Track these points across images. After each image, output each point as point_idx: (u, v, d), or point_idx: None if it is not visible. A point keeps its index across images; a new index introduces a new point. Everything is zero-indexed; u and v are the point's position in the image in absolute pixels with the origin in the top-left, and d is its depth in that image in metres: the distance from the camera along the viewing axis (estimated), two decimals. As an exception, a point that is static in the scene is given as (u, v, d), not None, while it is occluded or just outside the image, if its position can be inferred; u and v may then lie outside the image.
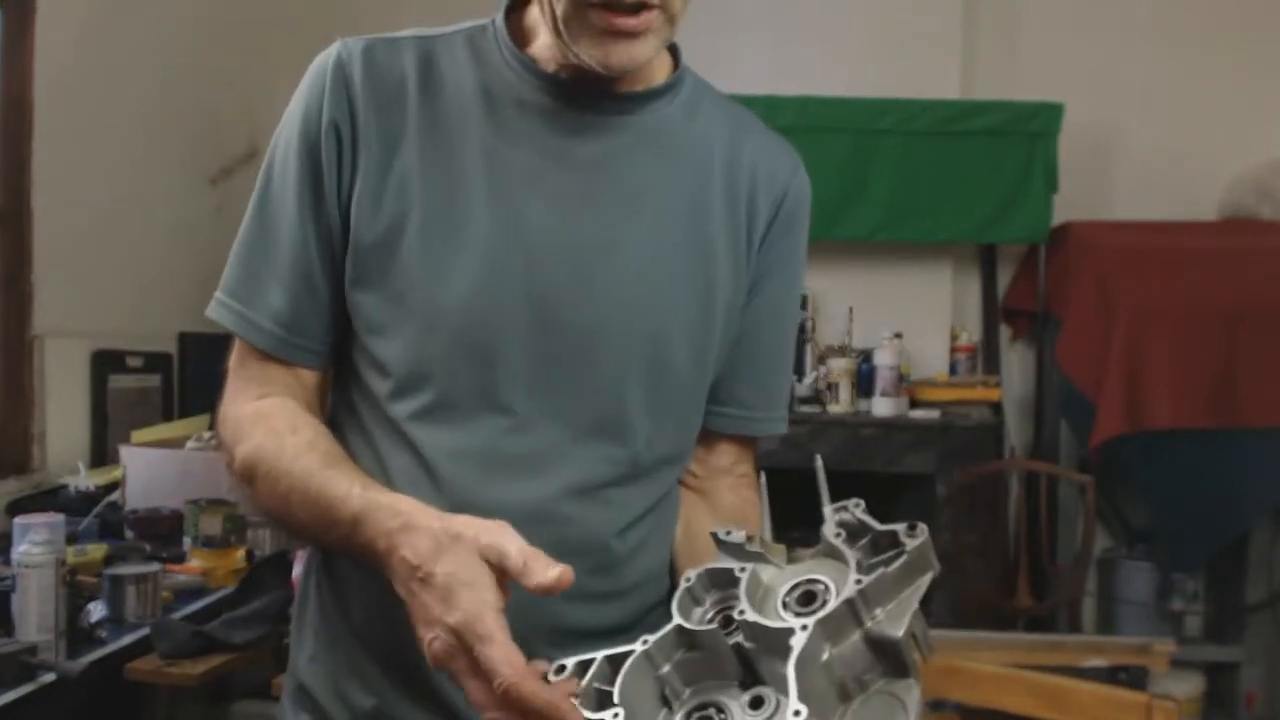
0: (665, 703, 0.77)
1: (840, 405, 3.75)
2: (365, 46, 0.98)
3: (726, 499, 1.11)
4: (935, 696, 2.49)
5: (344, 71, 0.97)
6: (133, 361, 3.30)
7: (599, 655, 0.78)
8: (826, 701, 0.73)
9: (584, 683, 0.76)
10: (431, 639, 0.78)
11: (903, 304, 3.94)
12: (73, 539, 2.39)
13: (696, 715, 0.76)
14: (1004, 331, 4.16)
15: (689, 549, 1.07)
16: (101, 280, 3.17)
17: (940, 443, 3.67)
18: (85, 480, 2.81)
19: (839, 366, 3.76)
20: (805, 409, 3.78)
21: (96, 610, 2.09)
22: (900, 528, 0.77)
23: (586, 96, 0.98)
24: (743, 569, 0.79)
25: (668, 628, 0.78)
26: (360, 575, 0.98)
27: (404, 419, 0.97)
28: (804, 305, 3.94)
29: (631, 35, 0.90)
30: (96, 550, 2.34)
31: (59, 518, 2.08)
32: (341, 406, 1.04)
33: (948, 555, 3.58)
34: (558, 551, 0.95)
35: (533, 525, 0.94)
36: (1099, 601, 3.84)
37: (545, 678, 0.76)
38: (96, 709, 1.98)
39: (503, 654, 0.74)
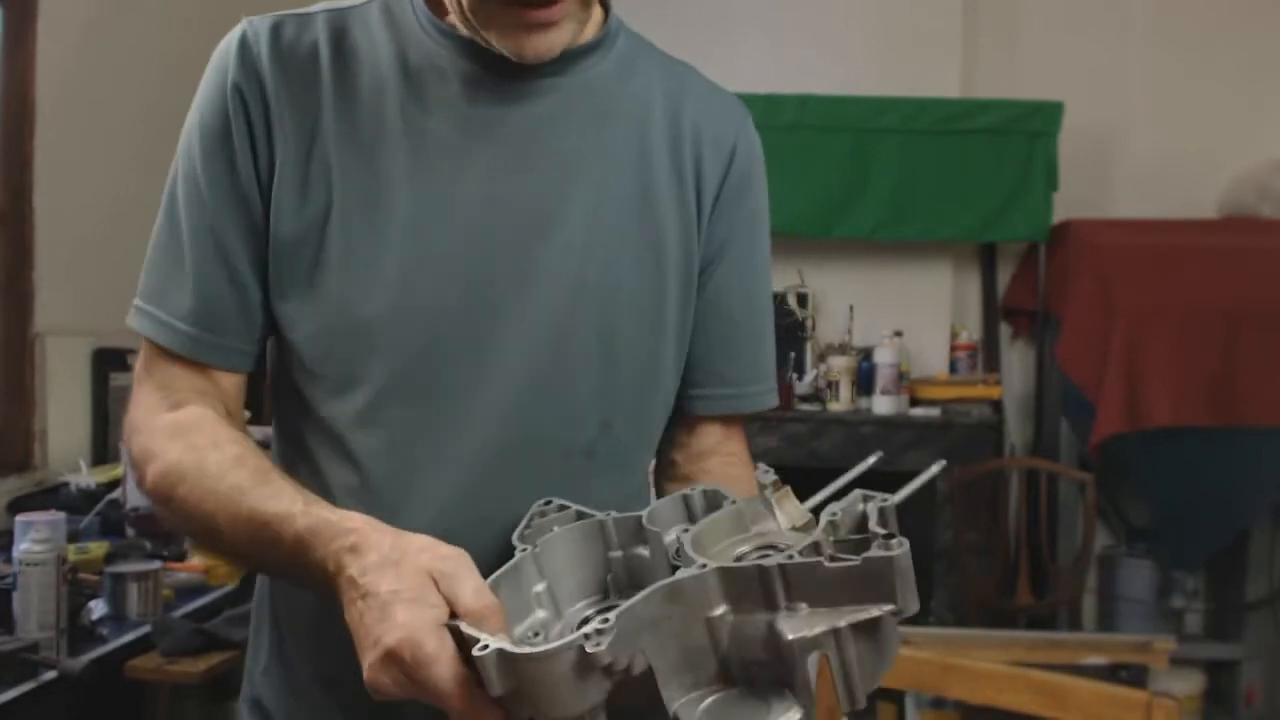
0: (604, 591, 0.77)
1: (840, 403, 3.75)
2: (273, 24, 0.91)
3: (714, 477, 1.02)
4: (935, 694, 2.50)
5: (250, 51, 0.90)
6: (134, 360, 3.29)
7: (574, 507, 0.79)
8: (698, 662, 0.67)
9: (546, 519, 0.78)
10: (370, 664, 0.69)
11: (903, 302, 3.94)
12: (74, 537, 2.39)
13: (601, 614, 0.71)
14: (1004, 330, 4.16)
15: None
16: (103, 279, 3.16)
17: (940, 441, 3.68)
18: (86, 478, 2.81)
19: (839, 364, 3.76)
20: (805, 407, 3.79)
21: (98, 608, 2.09)
22: (881, 536, 0.66)
23: (510, 61, 0.88)
24: (733, 502, 0.77)
25: (633, 514, 0.77)
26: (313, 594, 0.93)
27: (339, 423, 0.91)
28: (804, 303, 3.95)
29: (546, 25, 0.84)
30: (98, 548, 2.34)
31: (60, 516, 2.08)
32: (276, 413, 0.97)
33: (948, 553, 3.59)
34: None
35: (486, 531, 0.89)
36: (1099, 599, 3.84)
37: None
38: (97, 707, 1.98)
39: (451, 673, 0.67)
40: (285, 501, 0.79)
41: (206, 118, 0.91)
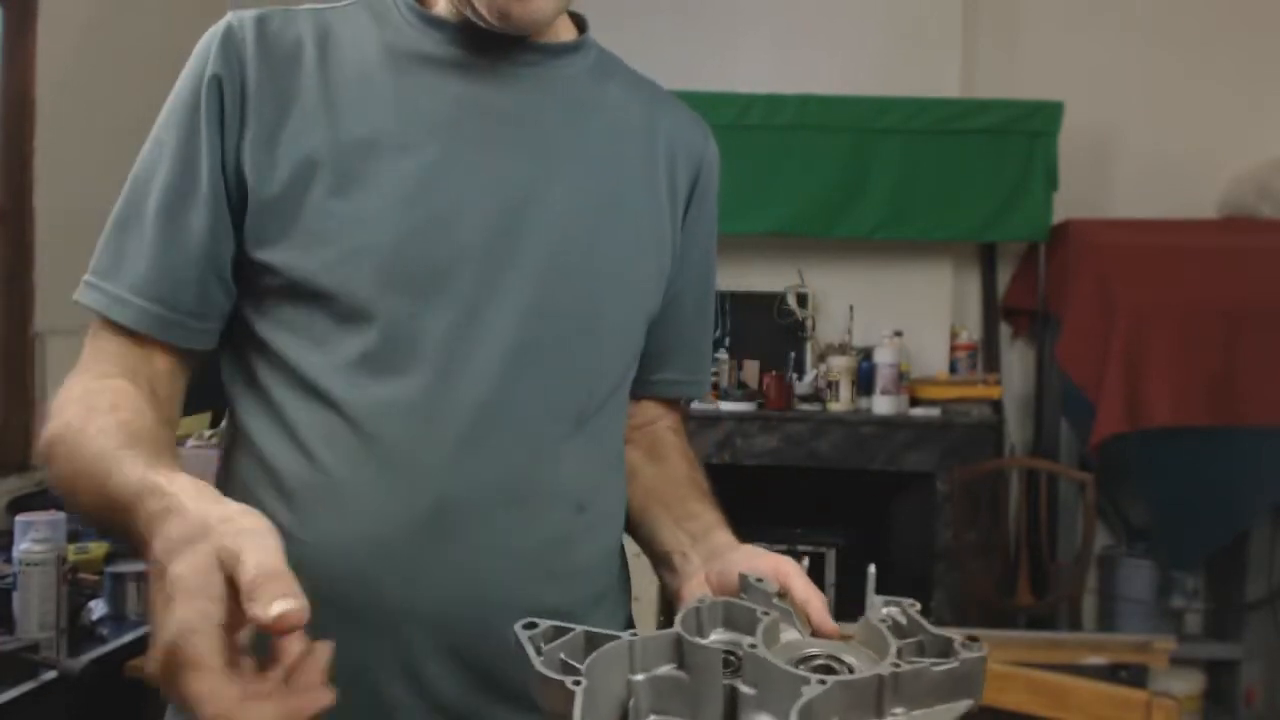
0: (624, 716, 0.70)
1: (840, 403, 3.75)
2: (258, 16, 0.94)
3: (668, 439, 1.13)
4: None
5: (234, 39, 0.92)
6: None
7: (578, 628, 0.72)
8: None
9: (553, 644, 0.71)
10: (152, 658, 0.62)
11: (903, 302, 3.95)
12: (74, 537, 2.39)
13: None
14: (1004, 329, 4.16)
15: (643, 491, 1.07)
16: (102, 279, 3.17)
17: (940, 440, 3.68)
18: (86, 478, 2.81)
19: (839, 364, 3.76)
20: (805, 407, 3.78)
21: (98, 608, 2.10)
22: (958, 637, 0.71)
23: (493, 47, 0.95)
24: (766, 613, 0.75)
25: (664, 631, 0.71)
26: None
27: (325, 374, 0.90)
28: (804, 303, 3.95)
29: None
30: (98, 548, 2.35)
31: (60, 515, 2.09)
32: (242, 390, 0.96)
33: (948, 553, 3.59)
34: (510, 520, 0.92)
35: (476, 492, 0.91)
36: (1099, 599, 3.84)
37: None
38: (97, 707, 1.98)
39: (209, 688, 0.59)
40: (137, 466, 0.74)
41: (181, 101, 0.93)
